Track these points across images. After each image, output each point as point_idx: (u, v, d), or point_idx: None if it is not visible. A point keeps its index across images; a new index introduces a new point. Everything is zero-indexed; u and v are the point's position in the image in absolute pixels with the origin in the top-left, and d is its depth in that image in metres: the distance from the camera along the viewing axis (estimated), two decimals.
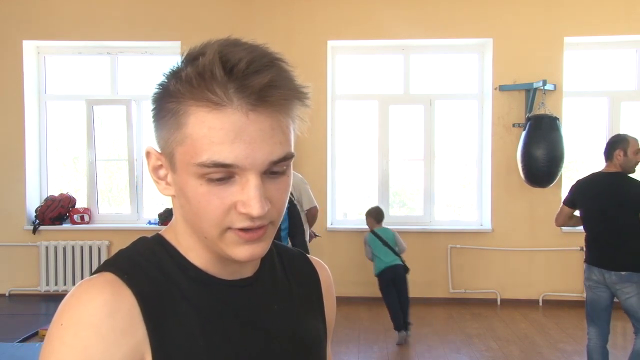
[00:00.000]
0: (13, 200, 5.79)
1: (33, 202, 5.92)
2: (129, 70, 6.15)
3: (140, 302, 0.69)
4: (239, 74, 0.64)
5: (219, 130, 0.65)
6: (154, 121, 0.71)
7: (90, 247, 5.76)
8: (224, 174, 0.66)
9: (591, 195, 3.37)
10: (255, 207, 0.66)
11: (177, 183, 0.71)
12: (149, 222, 5.89)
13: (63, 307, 0.67)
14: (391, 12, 5.57)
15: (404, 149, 6.06)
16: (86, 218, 5.90)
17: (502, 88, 5.55)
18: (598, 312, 3.31)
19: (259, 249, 0.72)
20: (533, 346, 4.44)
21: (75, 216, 5.86)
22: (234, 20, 5.57)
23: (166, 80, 0.69)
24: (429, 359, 4.18)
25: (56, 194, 5.97)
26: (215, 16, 5.62)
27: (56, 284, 5.77)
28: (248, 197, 0.66)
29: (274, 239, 0.78)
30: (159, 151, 0.73)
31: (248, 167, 0.66)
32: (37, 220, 5.83)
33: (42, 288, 5.77)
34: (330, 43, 5.72)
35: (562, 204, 3.59)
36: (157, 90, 0.70)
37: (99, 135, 6.04)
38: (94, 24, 5.71)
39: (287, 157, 0.69)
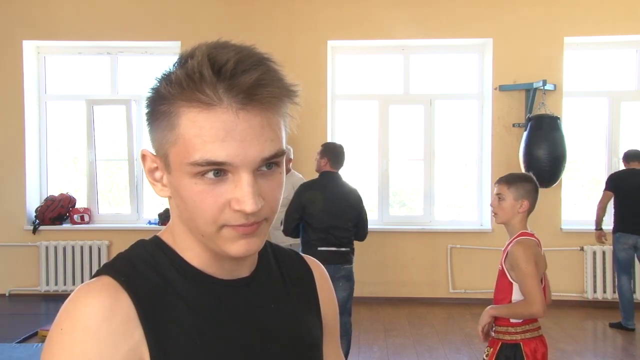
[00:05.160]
0: (13, 200, 5.79)
1: (33, 202, 5.93)
2: (129, 70, 6.15)
3: (136, 304, 0.69)
4: (227, 74, 0.65)
5: (210, 129, 0.66)
6: (148, 124, 0.73)
7: (90, 247, 5.76)
8: (216, 172, 0.67)
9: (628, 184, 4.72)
10: (248, 204, 0.67)
11: (172, 184, 0.72)
12: (149, 222, 5.89)
13: (62, 312, 0.68)
14: (391, 12, 5.57)
15: (404, 149, 6.05)
16: (86, 218, 5.91)
17: (502, 88, 5.54)
18: (627, 266, 4.82)
19: (253, 245, 0.72)
20: None
21: (75, 216, 5.86)
22: (234, 20, 5.57)
23: (158, 84, 0.70)
24: (429, 359, 4.17)
25: (56, 194, 5.98)
26: (215, 16, 5.62)
27: (56, 284, 5.77)
28: (242, 194, 0.67)
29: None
30: (154, 153, 0.74)
31: (240, 164, 0.67)
32: (37, 220, 5.83)
33: (42, 288, 5.77)
34: (330, 43, 5.71)
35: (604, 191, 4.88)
36: (150, 94, 0.72)
37: (99, 135, 6.04)
38: (94, 24, 5.71)
39: (279, 154, 0.70)
